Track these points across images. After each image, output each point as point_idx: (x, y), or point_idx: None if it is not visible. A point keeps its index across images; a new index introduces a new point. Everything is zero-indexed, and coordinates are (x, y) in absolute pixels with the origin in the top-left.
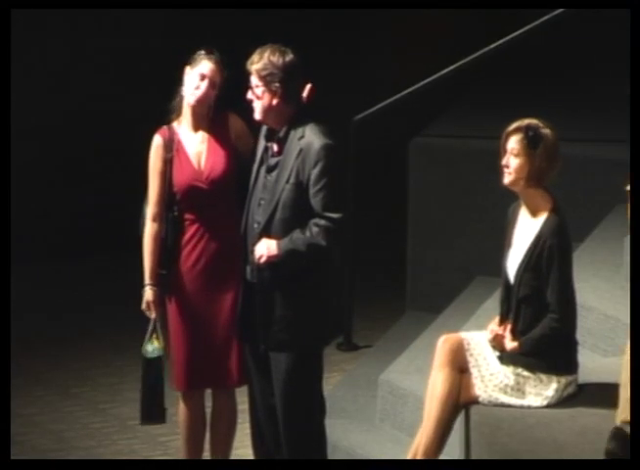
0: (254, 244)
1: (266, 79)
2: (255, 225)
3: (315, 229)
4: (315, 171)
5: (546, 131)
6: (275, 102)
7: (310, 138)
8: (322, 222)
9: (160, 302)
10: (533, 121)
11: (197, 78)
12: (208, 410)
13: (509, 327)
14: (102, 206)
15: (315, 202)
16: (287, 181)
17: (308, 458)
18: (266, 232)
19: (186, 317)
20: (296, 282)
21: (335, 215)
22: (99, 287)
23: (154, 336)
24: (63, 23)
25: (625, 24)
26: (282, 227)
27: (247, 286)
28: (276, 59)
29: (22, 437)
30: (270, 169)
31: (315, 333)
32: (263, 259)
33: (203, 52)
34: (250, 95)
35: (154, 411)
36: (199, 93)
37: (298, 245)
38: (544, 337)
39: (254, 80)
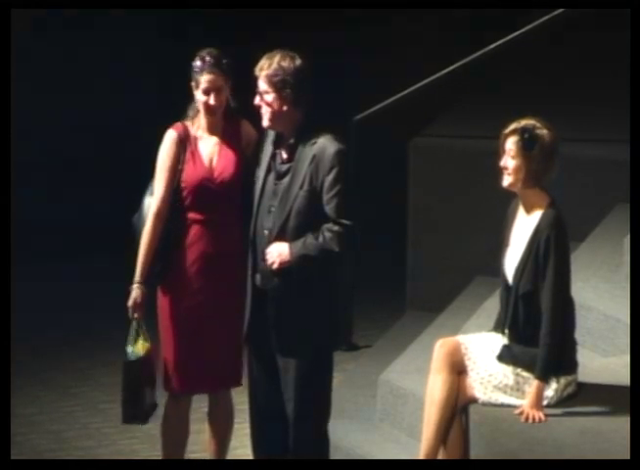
0: (264, 251)
1: (277, 86)
2: (266, 232)
3: (328, 235)
4: (330, 178)
5: (543, 132)
6: (285, 108)
7: (324, 144)
8: (335, 228)
9: (149, 297)
10: (530, 122)
11: (204, 96)
12: (205, 411)
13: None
14: (102, 206)
15: (329, 208)
16: (300, 188)
17: (312, 459)
18: (279, 239)
19: (179, 317)
20: (307, 288)
21: (348, 222)
22: (99, 286)
23: (138, 338)
24: (62, 24)
25: (626, 24)
26: (295, 234)
27: (256, 292)
28: (287, 64)
29: (22, 437)
30: (281, 176)
31: (326, 338)
32: (276, 266)
33: (197, 67)
34: (257, 101)
35: (132, 412)
36: (212, 106)
37: (311, 250)
38: (546, 357)
39: (264, 86)
